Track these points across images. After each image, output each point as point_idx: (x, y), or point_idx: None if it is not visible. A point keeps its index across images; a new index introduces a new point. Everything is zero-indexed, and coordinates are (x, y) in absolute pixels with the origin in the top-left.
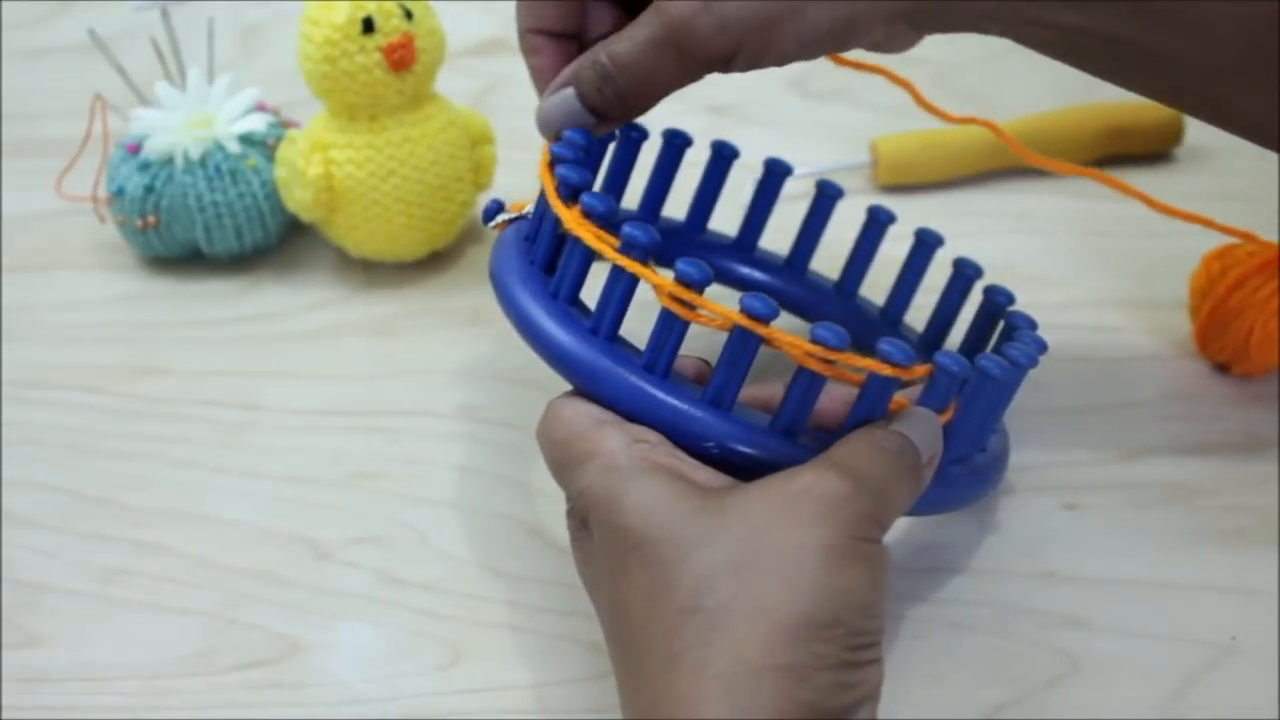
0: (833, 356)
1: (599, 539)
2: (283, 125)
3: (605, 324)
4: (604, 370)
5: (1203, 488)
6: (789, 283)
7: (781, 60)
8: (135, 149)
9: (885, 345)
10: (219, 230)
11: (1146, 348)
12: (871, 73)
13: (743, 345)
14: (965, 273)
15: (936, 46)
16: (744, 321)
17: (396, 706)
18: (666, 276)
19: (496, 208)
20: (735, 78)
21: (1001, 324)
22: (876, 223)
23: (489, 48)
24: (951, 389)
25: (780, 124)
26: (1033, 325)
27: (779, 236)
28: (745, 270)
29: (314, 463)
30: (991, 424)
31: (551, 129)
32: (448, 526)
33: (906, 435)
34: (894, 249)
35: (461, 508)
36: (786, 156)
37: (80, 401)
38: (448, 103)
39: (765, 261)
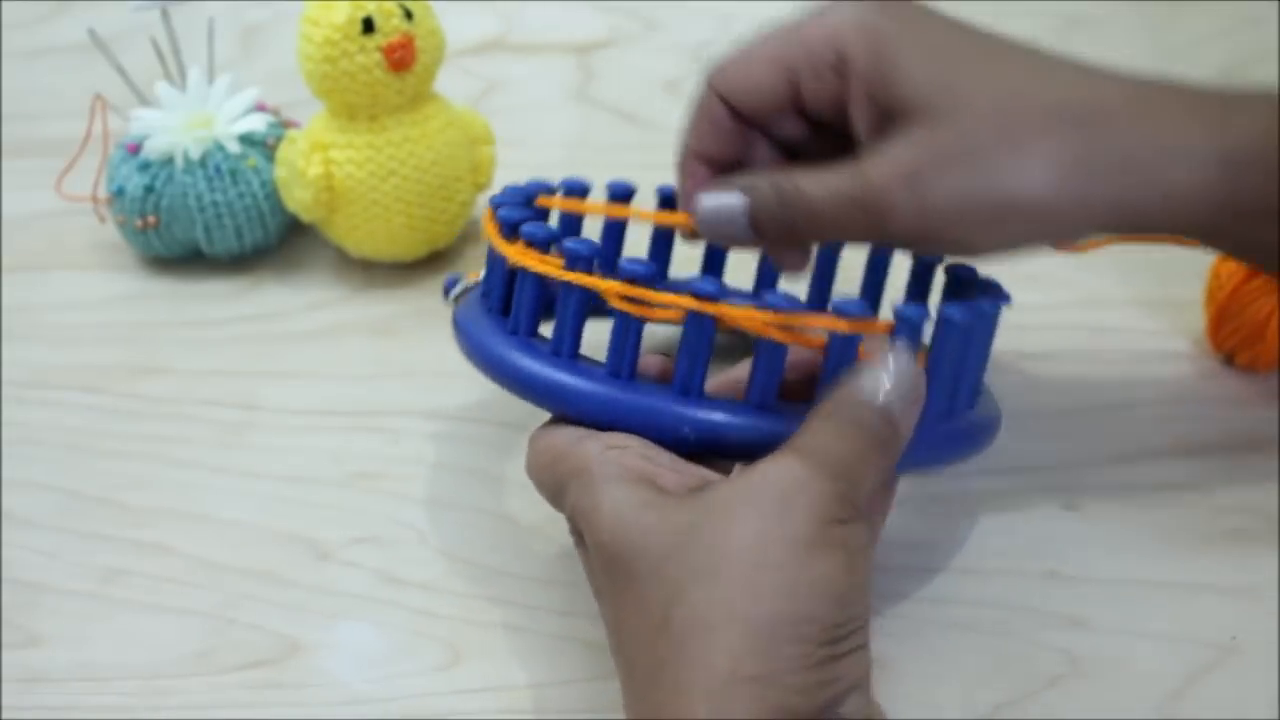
0: (789, 321)
1: (591, 553)
2: (283, 125)
3: (565, 343)
4: (567, 385)
5: (1203, 488)
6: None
7: (972, 254)
8: (135, 149)
9: (841, 302)
10: (219, 230)
11: (1147, 348)
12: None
13: (699, 329)
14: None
15: None
16: (694, 305)
17: (396, 706)
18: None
19: (454, 280)
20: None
21: (946, 279)
22: None
23: (489, 48)
24: (915, 338)
25: None
26: (998, 285)
27: None
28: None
29: (314, 463)
30: (970, 379)
31: (709, 227)
32: (448, 526)
33: (872, 403)
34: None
35: (461, 508)
36: None
37: (80, 401)
38: (447, 103)
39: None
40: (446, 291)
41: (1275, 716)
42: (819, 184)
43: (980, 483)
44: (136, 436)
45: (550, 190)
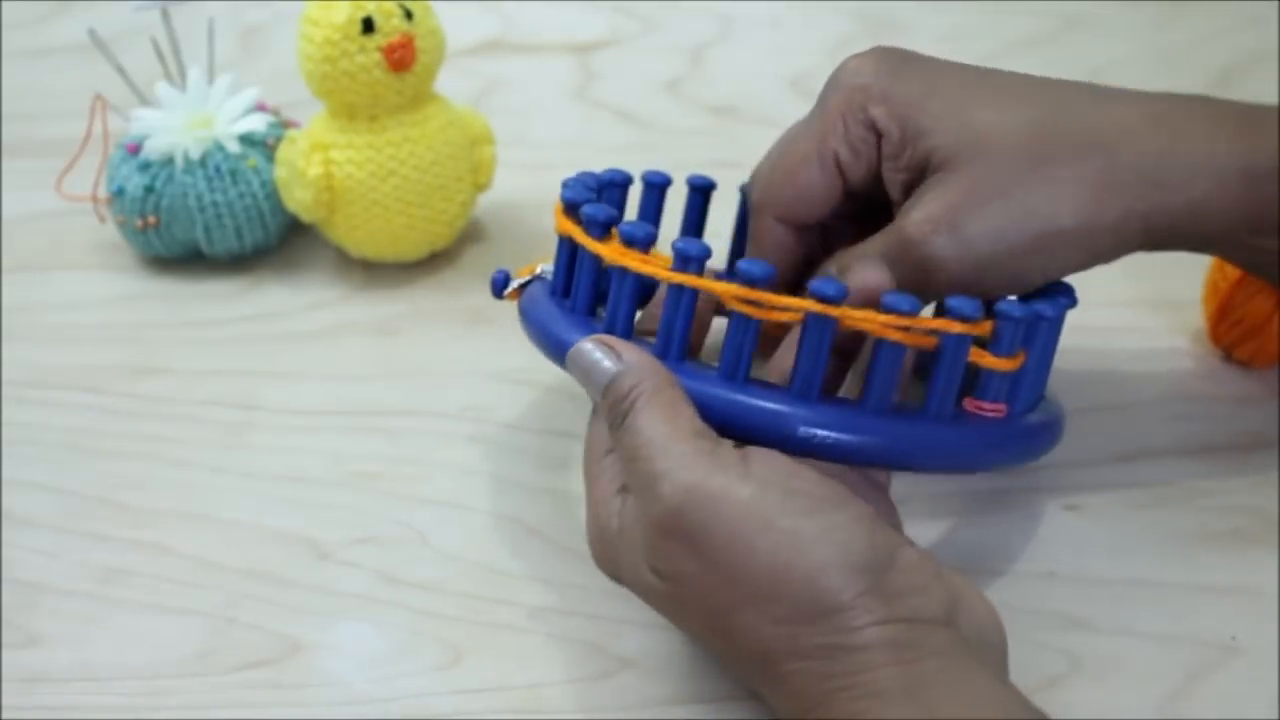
0: (908, 323)
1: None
2: (283, 125)
3: (674, 345)
4: (688, 389)
5: (1203, 488)
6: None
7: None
8: (135, 149)
9: (954, 302)
10: (219, 230)
11: (1147, 348)
12: None
13: (819, 331)
14: None
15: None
16: (816, 307)
17: (396, 706)
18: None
19: (504, 276)
20: (734, 77)
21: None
22: None
23: (489, 48)
24: (1018, 334)
25: (780, 124)
26: (1067, 287)
27: None
28: None
29: (314, 463)
30: (1046, 370)
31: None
32: (448, 526)
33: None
34: None
35: (461, 508)
36: None
37: (80, 401)
38: (447, 103)
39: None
40: (497, 289)
41: (1275, 717)
42: (857, 255)
43: (980, 483)
44: (136, 436)
45: (627, 180)
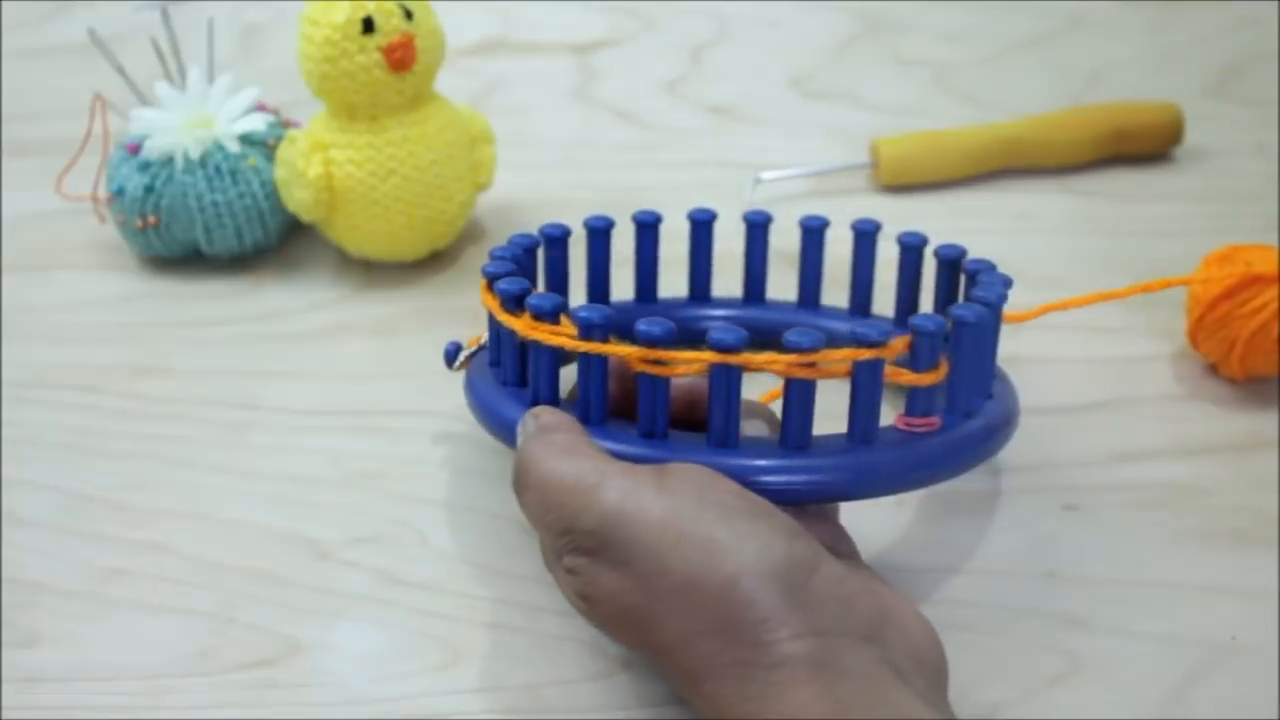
0: (812, 358)
1: (637, 553)
2: (283, 125)
3: (593, 410)
4: (611, 451)
5: (1203, 488)
6: (752, 312)
7: None
8: (135, 149)
9: (859, 329)
10: (219, 230)
11: (1146, 348)
12: None
13: (725, 380)
14: (908, 244)
15: (934, 46)
16: (717, 358)
17: (396, 706)
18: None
19: (455, 348)
20: (734, 77)
21: (964, 275)
22: (812, 231)
23: (489, 48)
24: (935, 347)
25: (780, 124)
26: (992, 267)
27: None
28: (706, 313)
29: (314, 463)
30: (986, 370)
31: None
32: (448, 526)
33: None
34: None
35: (461, 508)
36: (786, 156)
37: (80, 401)
38: (447, 103)
39: (723, 302)
40: (448, 359)
41: (1275, 717)
42: None
43: (980, 483)
44: (136, 436)
45: (534, 242)
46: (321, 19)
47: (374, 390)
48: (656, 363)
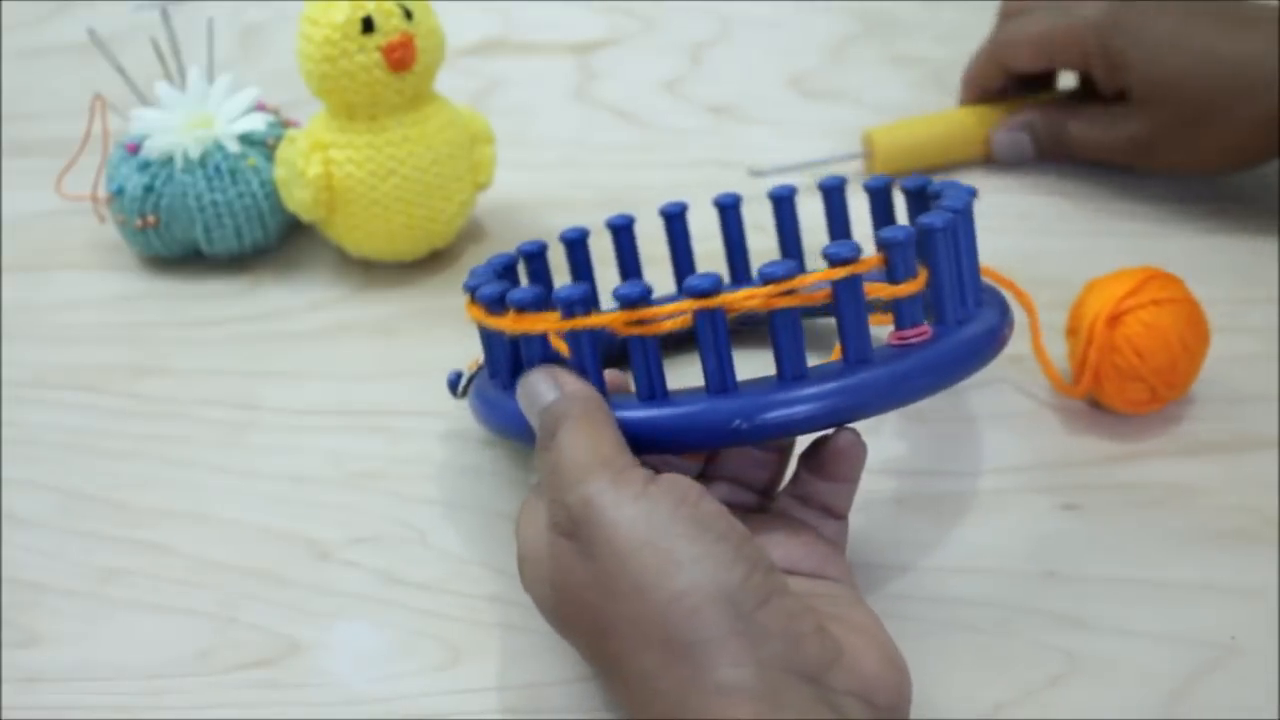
0: (790, 285)
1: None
2: (283, 125)
3: (592, 384)
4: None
5: (1203, 488)
6: (741, 284)
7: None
8: (135, 149)
9: (829, 248)
10: (219, 230)
11: None
12: None
13: (711, 324)
14: (875, 188)
15: (934, 46)
16: (698, 304)
17: (396, 706)
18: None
19: (457, 376)
20: (734, 77)
21: (931, 200)
22: (781, 199)
23: (489, 48)
24: (909, 255)
25: (780, 123)
26: (956, 185)
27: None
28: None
29: (314, 463)
30: (969, 278)
31: (1004, 152)
32: (448, 526)
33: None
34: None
35: (461, 508)
36: (786, 156)
37: (80, 401)
38: (447, 102)
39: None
40: (452, 388)
41: (1275, 717)
42: (1081, 131)
43: (980, 483)
44: (136, 436)
45: (543, 248)
46: (321, 19)
47: (374, 390)
48: (641, 323)
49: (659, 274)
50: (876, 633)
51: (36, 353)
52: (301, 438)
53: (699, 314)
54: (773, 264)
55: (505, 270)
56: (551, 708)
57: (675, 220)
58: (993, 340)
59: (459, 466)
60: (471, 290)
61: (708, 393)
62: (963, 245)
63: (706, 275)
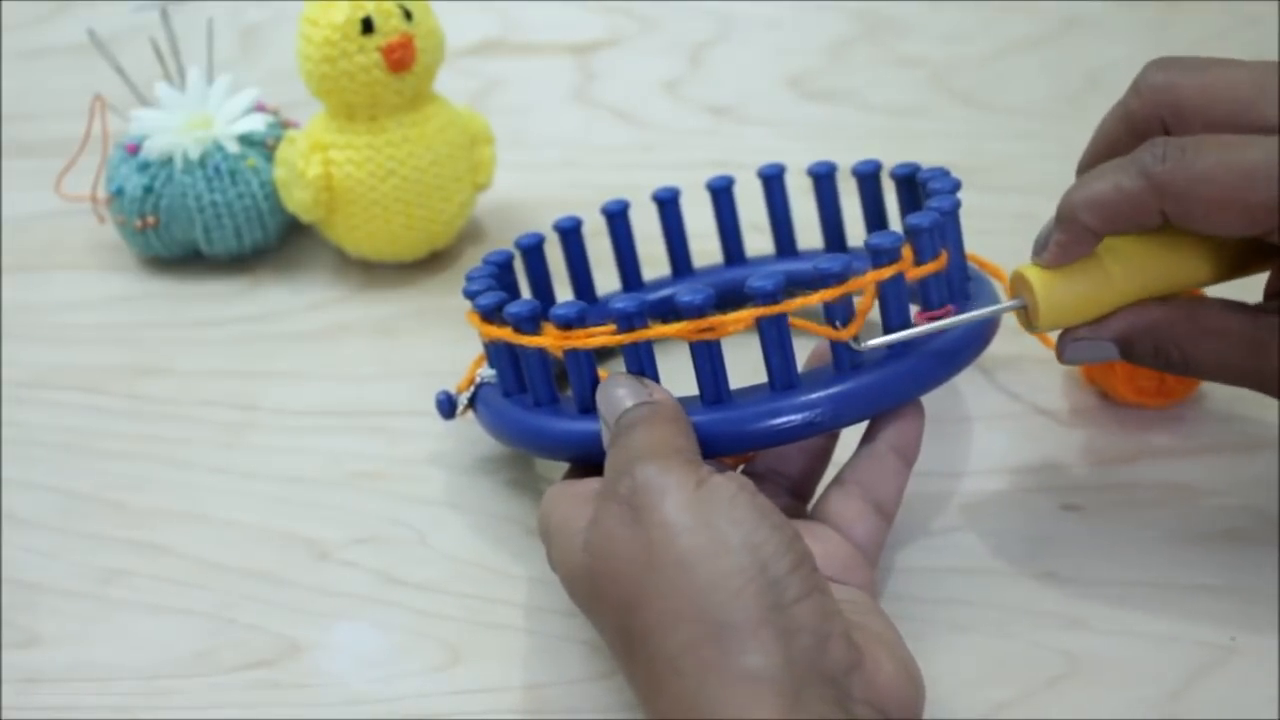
0: (844, 288)
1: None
2: (282, 125)
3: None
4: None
5: (1202, 488)
6: (732, 272)
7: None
8: (135, 149)
9: (873, 240)
10: (218, 230)
11: None
12: None
13: (775, 328)
14: (862, 172)
15: (934, 46)
16: (762, 311)
17: (396, 706)
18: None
19: (447, 396)
20: (734, 77)
21: (920, 187)
22: (771, 178)
23: (489, 48)
24: (935, 241)
25: (780, 124)
26: (945, 173)
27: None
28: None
29: (314, 463)
30: (956, 269)
31: (1076, 361)
32: (448, 526)
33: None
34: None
35: (461, 508)
36: (785, 156)
37: (80, 401)
38: (447, 103)
39: (705, 271)
40: (446, 411)
41: (1275, 717)
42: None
43: (980, 483)
44: (136, 436)
45: (509, 257)
46: (321, 19)
47: (374, 390)
48: (706, 330)
49: (650, 265)
50: (896, 645)
51: (36, 353)
52: (301, 438)
53: (762, 319)
54: (759, 277)
55: (502, 268)
56: (552, 708)
57: (669, 206)
58: (988, 326)
59: (459, 466)
60: (486, 309)
61: (775, 391)
62: (948, 238)
63: (769, 276)
